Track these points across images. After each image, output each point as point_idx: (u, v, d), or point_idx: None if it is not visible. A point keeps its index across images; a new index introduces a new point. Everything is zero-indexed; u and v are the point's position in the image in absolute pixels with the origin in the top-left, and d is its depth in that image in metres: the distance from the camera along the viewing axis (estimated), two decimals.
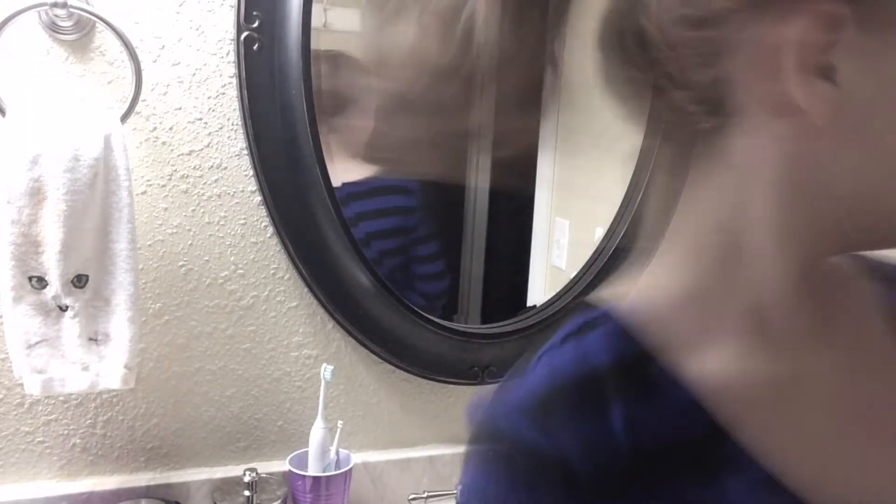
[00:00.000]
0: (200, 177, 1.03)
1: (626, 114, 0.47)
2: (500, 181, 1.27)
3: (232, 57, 1.02)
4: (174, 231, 1.03)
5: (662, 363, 0.42)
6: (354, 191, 1.16)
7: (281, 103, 1.02)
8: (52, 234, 0.86)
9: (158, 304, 1.03)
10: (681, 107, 0.42)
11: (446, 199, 1.28)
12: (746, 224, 0.41)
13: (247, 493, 1.01)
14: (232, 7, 1.00)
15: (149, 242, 1.02)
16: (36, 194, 0.85)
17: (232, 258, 1.06)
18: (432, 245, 1.26)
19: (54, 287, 0.87)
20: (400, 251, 1.23)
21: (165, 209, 1.02)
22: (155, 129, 1.00)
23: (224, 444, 1.10)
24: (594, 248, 1.28)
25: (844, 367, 0.45)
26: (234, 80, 1.02)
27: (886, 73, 0.37)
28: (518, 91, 1.17)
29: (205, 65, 1.01)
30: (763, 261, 0.42)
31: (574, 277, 1.27)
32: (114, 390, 1.01)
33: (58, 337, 0.89)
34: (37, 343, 0.88)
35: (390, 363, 1.16)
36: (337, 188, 1.06)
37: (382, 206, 1.19)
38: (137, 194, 1.00)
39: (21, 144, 0.85)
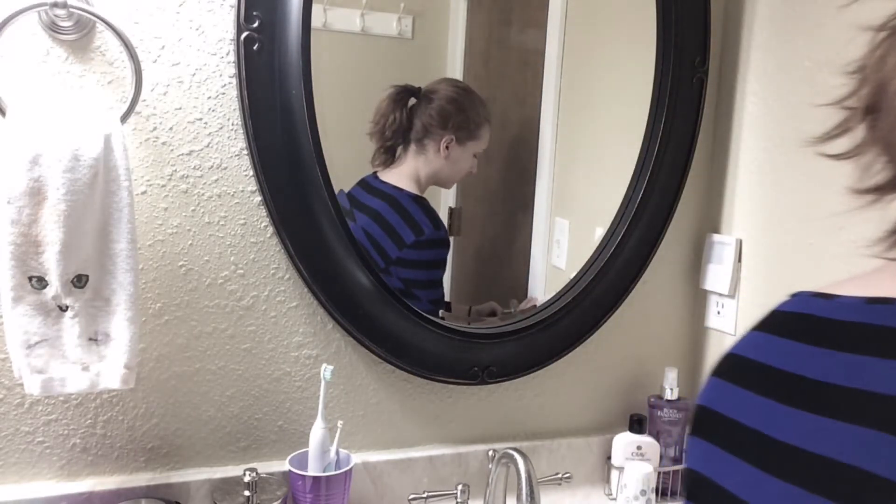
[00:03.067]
0: (200, 177, 1.03)
1: None
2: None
3: (232, 57, 1.02)
4: (174, 231, 1.03)
5: None
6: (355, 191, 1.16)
7: (281, 103, 1.02)
8: (52, 234, 0.86)
9: (158, 304, 1.03)
10: None
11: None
12: None
13: (247, 493, 1.01)
14: (232, 7, 1.00)
15: (149, 242, 1.02)
16: (36, 194, 0.85)
17: (232, 258, 1.06)
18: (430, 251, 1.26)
19: (54, 287, 0.87)
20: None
21: (165, 209, 1.02)
22: (155, 129, 1.00)
23: (224, 444, 1.10)
24: (594, 248, 1.28)
25: None
26: (234, 80, 1.02)
27: None
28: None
29: (205, 65, 1.01)
30: None
31: (574, 277, 1.27)
32: (114, 390, 1.01)
33: (58, 337, 0.89)
34: (37, 343, 0.88)
35: (390, 363, 1.16)
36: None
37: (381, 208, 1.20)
38: (137, 194, 1.00)
39: (21, 144, 0.85)
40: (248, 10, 0.99)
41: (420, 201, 1.19)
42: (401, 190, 1.17)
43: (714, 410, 0.54)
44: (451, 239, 1.25)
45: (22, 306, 0.87)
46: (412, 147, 1.17)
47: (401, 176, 1.18)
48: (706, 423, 0.55)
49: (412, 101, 1.16)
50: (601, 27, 1.30)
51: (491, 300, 1.29)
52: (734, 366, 0.55)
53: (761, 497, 0.47)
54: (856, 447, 0.43)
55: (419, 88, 1.16)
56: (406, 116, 1.16)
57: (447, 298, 1.26)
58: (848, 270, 1.14)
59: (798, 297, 0.55)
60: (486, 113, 1.22)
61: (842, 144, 0.56)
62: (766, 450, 0.48)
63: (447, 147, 1.17)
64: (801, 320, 0.53)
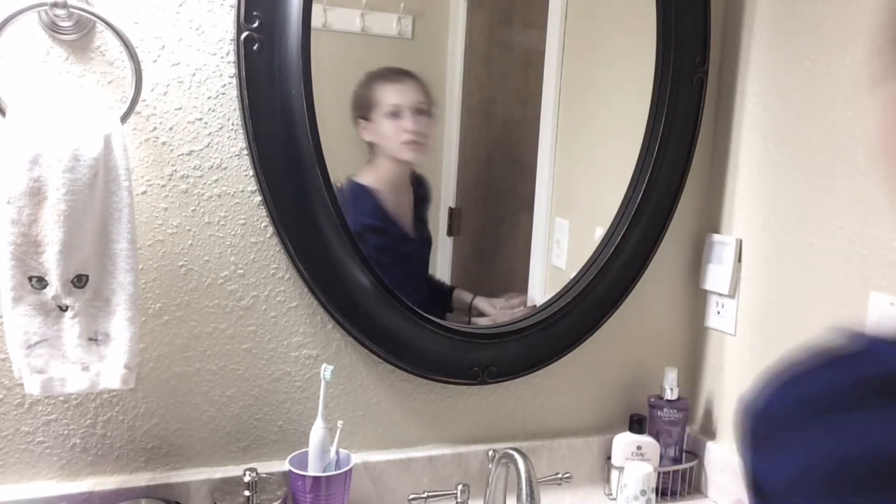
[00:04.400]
0: (200, 177, 1.03)
1: None
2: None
3: (232, 57, 1.02)
4: (174, 231, 1.03)
5: None
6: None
7: (281, 103, 1.02)
8: (52, 234, 0.86)
9: (158, 304, 1.03)
10: None
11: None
12: None
13: (247, 493, 1.01)
14: (232, 7, 1.00)
15: (149, 242, 1.02)
16: (36, 194, 0.85)
17: (232, 258, 1.06)
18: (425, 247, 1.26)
19: (54, 287, 0.87)
20: (394, 251, 1.24)
21: (165, 209, 1.02)
22: (155, 129, 1.00)
23: (224, 444, 1.10)
24: (594, 248, 1.28)
25: None
26: (234, 80, 1.02)
27: None
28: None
29: (205, 65, 1.01)
30: None
31: (574, 277, 1.27)
32: (114, 390, 1.01)
33: (58, 337, 0.89)
34: (37, 343, 0.88)
35: (390, 363, 1.16)
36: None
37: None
38: (137, 194, 1.00)
39: (21, 144, 0.85)
40: (248, 10, 0.99)
41: (368, 191, 1.19)
42: (356, 183, 1.18)
43: None
44: (453, 239, 1.25)
45: (22, 306, 0.87)
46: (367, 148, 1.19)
47: (366, 173, 1.18)
48: None
49: None
50: (601, 27, 1.30)
51: (498, 298, 1.29)
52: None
53: None
54: None
55: None
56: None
57: (451, 283, 1.26)
58: (847, 271, 1.14)
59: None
60: (379, 74, 1.18)
61: None
62: None
63: (364, 130, 1.17)
64: None
